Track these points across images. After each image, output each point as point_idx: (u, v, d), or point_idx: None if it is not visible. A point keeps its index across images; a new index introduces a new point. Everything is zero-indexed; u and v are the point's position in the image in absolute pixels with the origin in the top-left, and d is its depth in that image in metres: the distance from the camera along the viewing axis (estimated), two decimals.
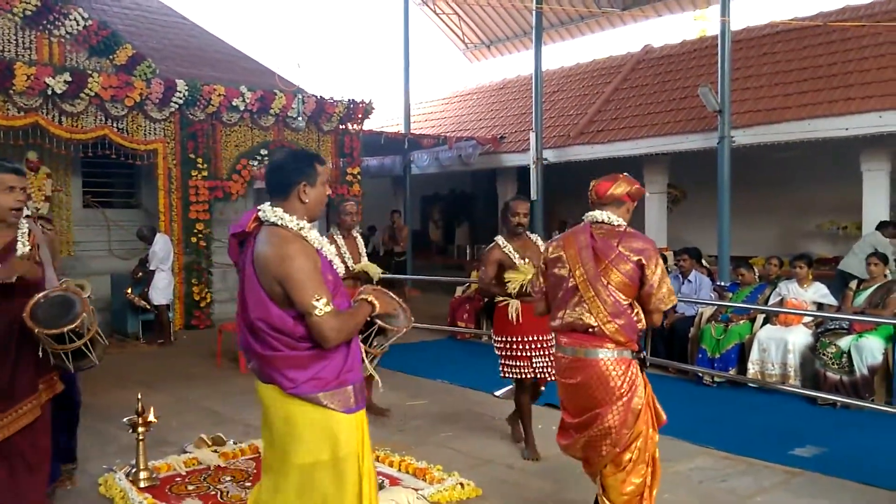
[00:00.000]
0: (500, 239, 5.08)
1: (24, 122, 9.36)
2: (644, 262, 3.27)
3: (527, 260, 4.95)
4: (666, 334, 7.80)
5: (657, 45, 15.80)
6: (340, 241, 5.74)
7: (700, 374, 7.17)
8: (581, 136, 13.90)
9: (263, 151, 11.47)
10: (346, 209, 5.85)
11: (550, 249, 3.53)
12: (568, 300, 3.35)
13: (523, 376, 4.98)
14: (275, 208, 2.65)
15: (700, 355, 7.26)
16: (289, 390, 2.56)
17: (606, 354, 3.24)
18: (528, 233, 5.11)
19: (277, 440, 2.64)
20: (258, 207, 2.70)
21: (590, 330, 3.27)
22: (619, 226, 3.41)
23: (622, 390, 3.21)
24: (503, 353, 5.05)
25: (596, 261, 3.29)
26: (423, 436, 5.49)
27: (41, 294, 3.29)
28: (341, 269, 2.86)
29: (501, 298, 4.98)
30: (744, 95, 11.88)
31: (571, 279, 3.34)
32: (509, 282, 4.84)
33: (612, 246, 3.31)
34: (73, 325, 3.22)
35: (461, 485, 4.32)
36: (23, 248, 3.35)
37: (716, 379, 7.05)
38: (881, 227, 9.72)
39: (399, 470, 4.65)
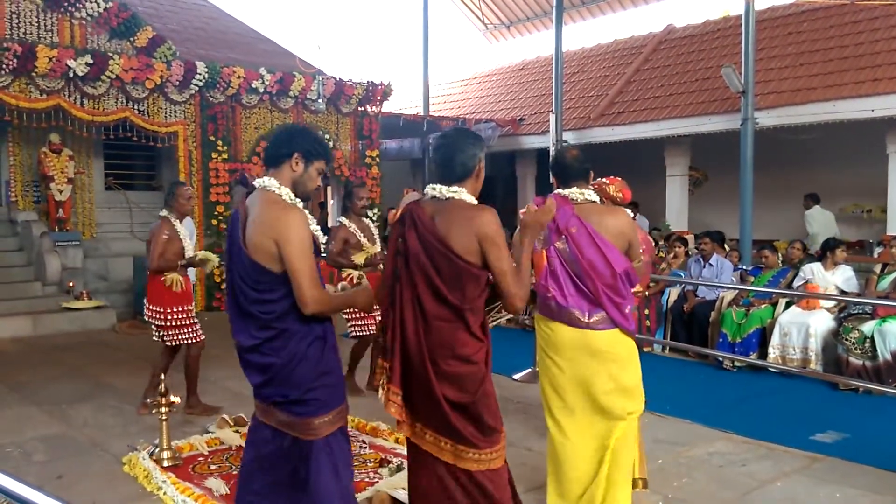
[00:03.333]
0: (344, 219, 5.94)
1: (47, 105, 9.44)
2: None
3: (366, 239, 5.90)
4: (686, 318, 7.76)
5: (679, 24, 15.58)
6: (179, 226, 5.55)
7: (720, 359, 7.13)
8: (601, 118, 13.79)
9: None
10: (186, 194, 5.61)
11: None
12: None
13: (369, 332, 5.86)
14: (582, 190, 3.40)
15: (721, 339, 7.21)
16: (628, 328, 3.33)
17: None
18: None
19: (605, 374, 3.29)
20: (561, 191, 3.42)
21: None
22: None
23: None
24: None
25: None
26: None
27: None
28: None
29: (348, 270, 5.84)
30: (768, 76, 11.70)
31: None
32: (357, 256, 5.79)
33: None
34: None
35: None
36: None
37: (736, 363, 7.01)
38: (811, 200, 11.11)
39: None
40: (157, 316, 5.47)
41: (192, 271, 9.41)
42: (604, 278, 3.26)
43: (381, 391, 2.79)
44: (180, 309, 5.49)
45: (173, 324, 5.48)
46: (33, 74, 9.21)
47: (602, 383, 3.30)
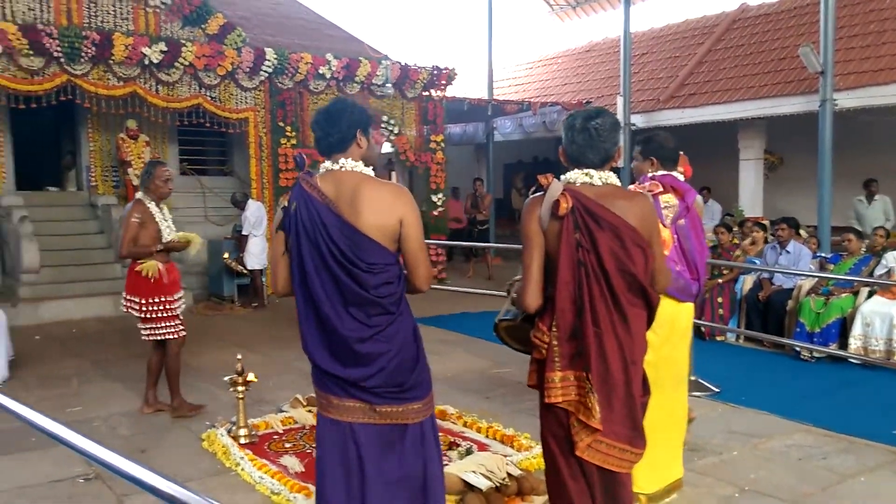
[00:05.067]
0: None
1: (123, 92, 9.73)
2: None
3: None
4: (761, 307, 7.53)
5: (754, 3, 15.09)
6: (154, 208, 5.09)
7: (797, 349, 6.90)
8: (671, 101, 13.47)
9: None
10: (164, 175, 5.11)
11: None
12: None
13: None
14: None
15: (798, 329, 6.97)
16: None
17: None
18: None
19: (686, 342, 3.77)
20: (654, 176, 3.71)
21: None
22: None
23: None
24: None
25: None
26: (510, 403, 5.50)
27: None
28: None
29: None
30: (848, 55, 11.23)
31: None
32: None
33: None
34: None
35: None
36: None
37: (815, 354, 6.78)
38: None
39: (487, 436, 4.69)
40: (134, 307, 5.01)
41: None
42: (702, 258, 3.67)
43: (576, 408, 2.47)
44: (158, 300, 5.01)
45: (149, 316, 5.02)
46: (110, 62, 9.49)
47: (684, 352, 3.67)
